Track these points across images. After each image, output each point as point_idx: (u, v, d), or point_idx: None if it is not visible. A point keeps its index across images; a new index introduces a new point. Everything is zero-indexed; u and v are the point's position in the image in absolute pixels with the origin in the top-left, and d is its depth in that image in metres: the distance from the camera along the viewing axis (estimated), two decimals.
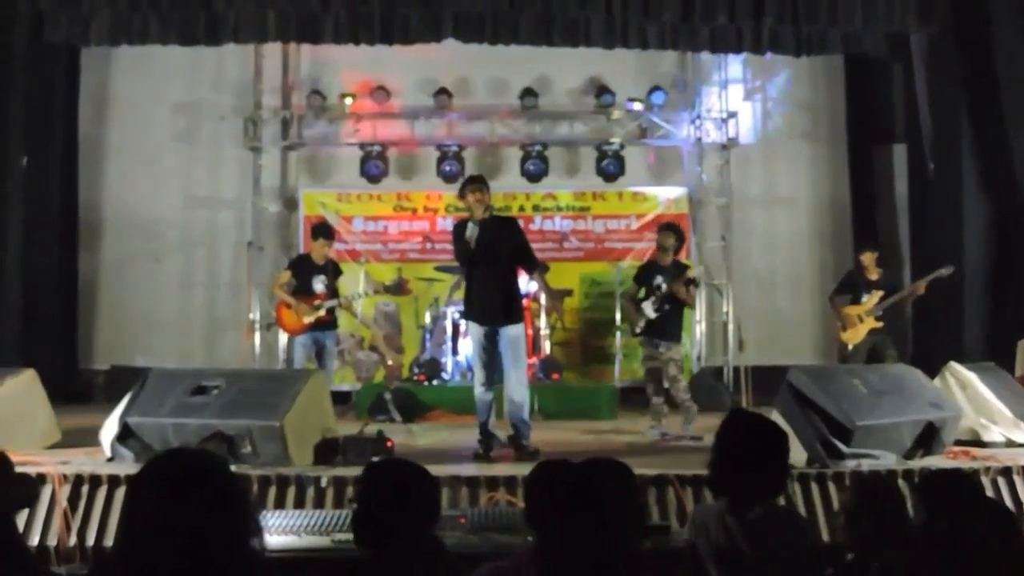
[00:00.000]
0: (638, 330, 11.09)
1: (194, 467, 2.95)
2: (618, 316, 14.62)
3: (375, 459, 4.23)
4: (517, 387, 9.11)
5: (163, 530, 2.77)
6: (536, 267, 9.85)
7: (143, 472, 2.95)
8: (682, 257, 12.05)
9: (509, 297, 9.26)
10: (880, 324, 11.68)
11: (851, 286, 12.07)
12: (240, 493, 3.01)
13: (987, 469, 7.59)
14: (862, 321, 11.62)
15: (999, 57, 12.35)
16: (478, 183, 9.33)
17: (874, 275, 11.87)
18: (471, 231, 9.02)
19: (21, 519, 6.96)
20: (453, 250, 9.58)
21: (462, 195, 9.34)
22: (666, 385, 10.88)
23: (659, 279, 10.97)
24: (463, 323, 13.41)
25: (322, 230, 12.12)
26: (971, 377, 9.28)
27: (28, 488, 5.61)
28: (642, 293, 11.15)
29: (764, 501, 4.45)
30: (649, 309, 10.94)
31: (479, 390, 9.22)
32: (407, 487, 3.95)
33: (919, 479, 4.53)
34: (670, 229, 11.49)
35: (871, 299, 11.66)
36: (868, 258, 11.95)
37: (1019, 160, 12.33)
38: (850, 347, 11.72)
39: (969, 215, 12.84)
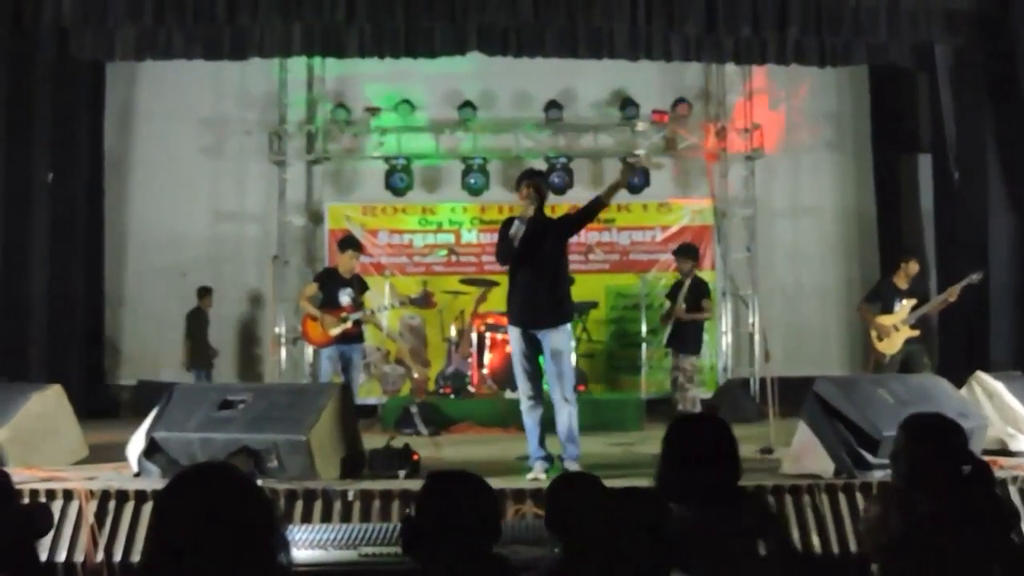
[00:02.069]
0: (664, 342, 12.40)
1: (220, 482, 2.95)
2: (643, 328, 14.61)
3: (437, 472, 4.13)
4: (562, 406, 8.57)
5: (190, 545, 2.78)
6: (593, 208, 8.85)
7: (169, 487, 2.96)
8: (706, 267, 12.43)
9: (553, 299, 8.67)
10: (916, 333, 11.62)
11: (880, 295, 12.01)
12: (266, 507, 3.02)
13: (1015, 479, 7.56)
14: (898, 330, 11.56)
15: (1022, 66, 12.30)
16: (532, 178, 8.82)
17: (904, 284, 11.80)
18: (516, 228, 8.46)
19: (48, 534, 7.01)
20: (496, 248, 8.92)
21: (518, 189, 8.80)
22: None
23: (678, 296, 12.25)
24: (488, 336, 13.44)
25: (351, 242, 12.14)
26: (998, 386, 9.23)
27: (45, 517, 5.56)
28: (665, 308, 12.39)
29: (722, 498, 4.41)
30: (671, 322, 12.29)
31: (526, 405, 8.66)
32: (469, 499, 3.91)
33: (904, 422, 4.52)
34: (683, 254, 12.77)
35: (904, 308, 11.60)
36: (913, 267, 11.89)
37: None
38: (886, 358, 11.65)
39: (995, 225, 12.78)
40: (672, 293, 12.66)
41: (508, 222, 8.69)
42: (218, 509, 2.83)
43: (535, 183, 8.72)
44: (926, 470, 4.20)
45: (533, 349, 8.69)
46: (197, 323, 15.10)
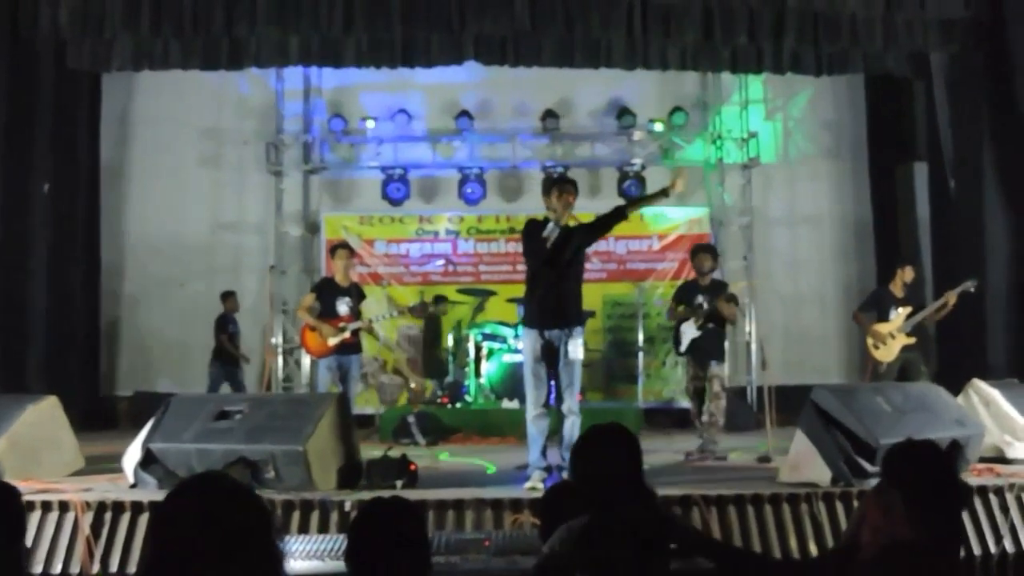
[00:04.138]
0: (682, 349, 11.06)
1: (221, 492, 2.95)
2: (640, 336, 14.60)
3: (368, 504, 3.98)
4: (569, 415, 8.55)
5: (189, 555, 2.78)
6: (614, 218, 8.97)
7: (169, 497, 2.96)
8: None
9: (572, 303, 8.78)
10: (912, 341, 11.59)
11: (876, 304, 11.99)
12: (265, 516, 3.02)
13: (1011, 486, 7.55)
14: (894, 338, 11.54)
15: (1019, 74, 12.33)
16: (569, 185, 8.78)
17: (900, 292, 11.80)
18: (551, 231, 8.47)
19: (44, 546, 7.01)
20: (523, 247, 8.97)
21: (547, 193, 8.73)
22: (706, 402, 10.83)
23: (700, 298, 10.98)
24: (485, 345, 13.42)
25: (339, 244, 12.18)
26: (994, 394, 9.25)
27: None
28: (679, 311, 11.15)
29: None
30: (692, 328, 10.92)
31: (534, 413, 8.60)
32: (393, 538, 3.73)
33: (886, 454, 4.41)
34: (706, 251, 11.53)
35: (900, 316, 11.58)
36: (908, 274, 11.87)
37: None
38: (883, 366, 11.63)
39: (991, 232, 12.79)
40: (685, 296, 11.29)
41: (540, 223, 8.66)
42: (216, 517, 2.83)
43: (573, 192, 8.71)
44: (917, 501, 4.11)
45: (547, 356, 8.68)
46: (430, 331, 14.81)
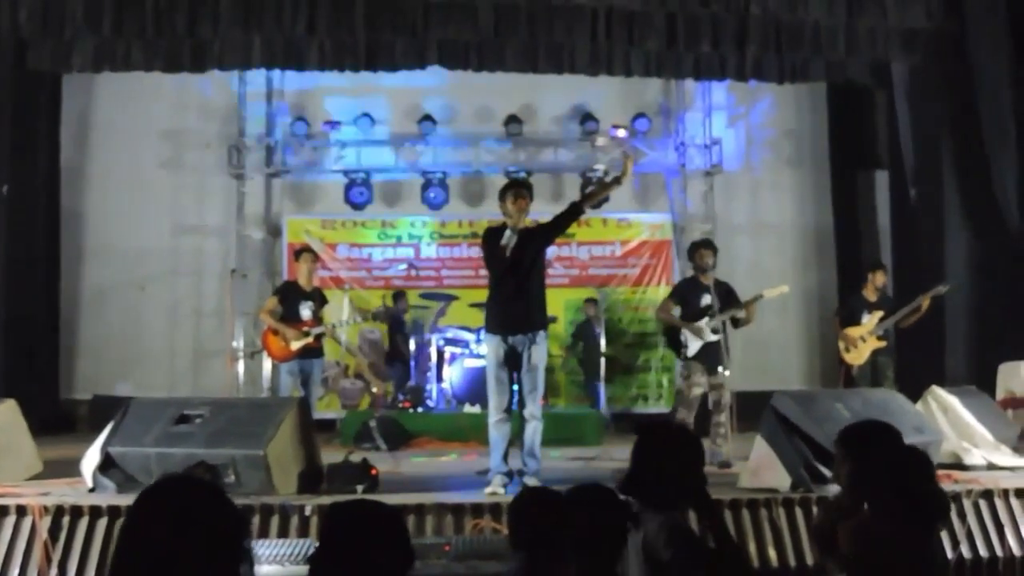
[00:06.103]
0: (691, 353, 10.37)
1: (194, 495, 2.94)
2: (603, 341, 14.59)
3: (338, 501, 3.83)
4: (531, 420, 8.48)
5: (160, 559, 2.76)
6: (571, 214, 8.85)
7: (141, 500, 2.93)
8: (664, 283, 12.08)
9: (534, 307, 8.66)
10: (883, 344, 11.68)
11: (849, 308, 12.06)
12: (240, 522, 3.01)
13: (968, 492, 7.61)
14: (864, 341, 11.61)
15: (979, 85, 12.42)
16: (523, 188, 8.63)
17: (873, 296, 11.87)
18: (508, 238, 8.37)
19: (0, 551, 6.95)
20: (483, 255, 8.82)
21: (502, 198, 8.56)
22: (711, 409, 10.44)
23: (707, 299, 10.34)
24: (447, 350, 13.40)
25: (303, 248, 12.15)
26: (953, 401, 9.30)
27: None
28: (676, 312, 10.57)
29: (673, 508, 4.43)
30: (708, 331, 10.29)
31: (496, 418, 8.54)
32: (368, 533, 3.62)
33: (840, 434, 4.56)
34: (707, 246, 10.79)
35: (872, 319, 11.65)
36: (880, 278, 11.93)
37: (999, 186, 12.42)
38: (855, 369, 11.70)
39: (951, 240, 12.89)
40: (689, 296, 10.55)
41: (496, 231, 8.59)
42: (189, 520, 2.81)
43: (525, 195, 8.56)
44: (868, 479, 4.20)
45: (510, 361, 8.59)
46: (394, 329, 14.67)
